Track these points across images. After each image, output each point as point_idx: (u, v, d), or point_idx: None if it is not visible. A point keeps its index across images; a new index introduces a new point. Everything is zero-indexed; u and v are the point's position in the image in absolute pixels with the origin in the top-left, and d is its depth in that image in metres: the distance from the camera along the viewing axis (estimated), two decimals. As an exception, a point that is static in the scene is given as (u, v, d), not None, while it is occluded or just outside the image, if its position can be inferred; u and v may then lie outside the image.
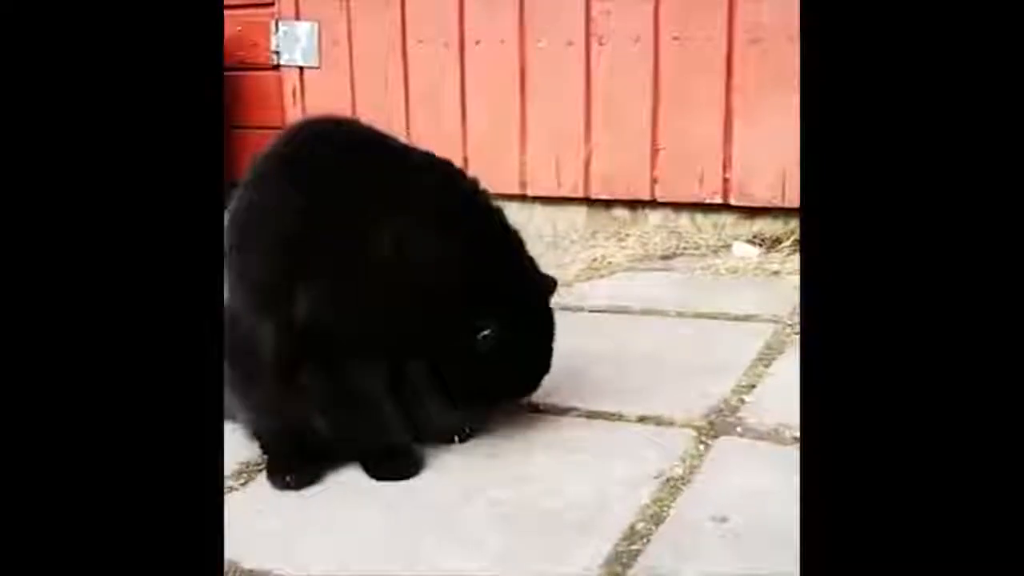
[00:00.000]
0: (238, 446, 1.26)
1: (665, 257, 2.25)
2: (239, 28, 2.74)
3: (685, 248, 2.30)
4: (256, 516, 1.09)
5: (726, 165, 2.30)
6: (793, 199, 2.23)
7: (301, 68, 2.72)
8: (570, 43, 2.39)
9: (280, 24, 2.71)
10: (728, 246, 2.28)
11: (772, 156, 2.23)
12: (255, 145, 2.79)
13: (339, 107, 2.65)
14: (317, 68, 2.70)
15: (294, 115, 2.75)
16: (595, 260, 2.23)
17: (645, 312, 1.82)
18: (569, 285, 2.04)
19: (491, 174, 2.49)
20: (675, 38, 2.30)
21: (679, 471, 1.13)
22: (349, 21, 2.64)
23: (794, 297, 1.83)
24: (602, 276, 2.13)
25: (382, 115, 2.62)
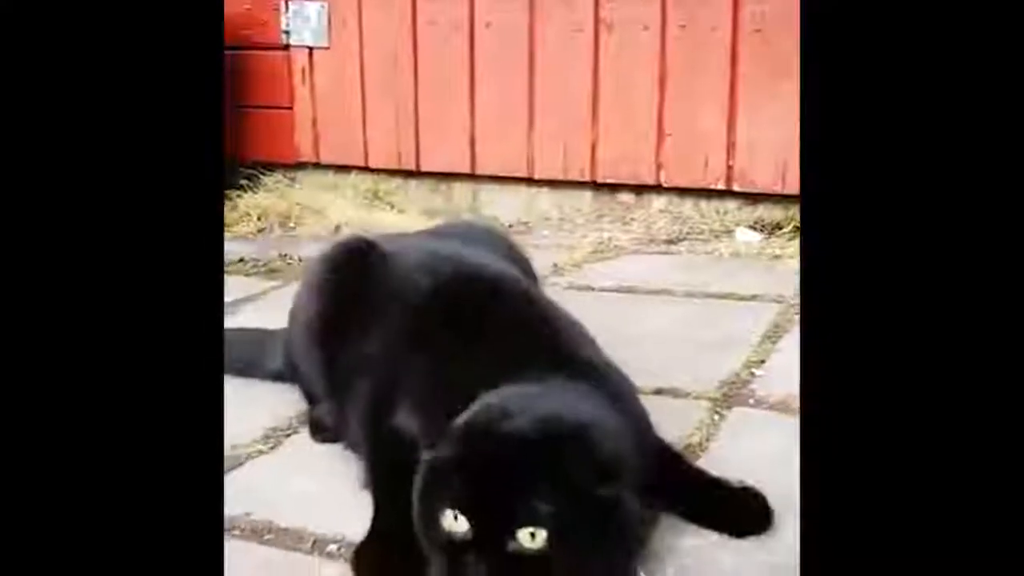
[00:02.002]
0: (263, 411, 1.29)
1: (669, 241, 2.30)
2: (248, 7, 2.75)
3: (689, 233, 2.34)
4: (286, 478, 1.13)
5: (730, 152, 2.34)
6: (794, 186, 2.28)
7: (310, 48, 2.73)
8: (579, 29, 2.42)
9: (290, 4, 2.72)
10: (731, 231, 2.33)
11: (774, 143, 2.28)
12: (263, 124, 2.83)
13: (348, 88, 2.68)
14: (327, 48, 2.71)
15: (303, 95, 2.77)
16: (601, 243, 2.27)
17: (654, 292, 1.86)
18: (577, 266, 2.08)
19: (498, 157, 2.55)
20: (682, 26, 2.34)
21: (697, 438, 1.17)
22: (359, 1, 2.65)
23: (796, 280, 1.88)
24: (609, 259, 2.16)
25: (391, 96, 2.65)
